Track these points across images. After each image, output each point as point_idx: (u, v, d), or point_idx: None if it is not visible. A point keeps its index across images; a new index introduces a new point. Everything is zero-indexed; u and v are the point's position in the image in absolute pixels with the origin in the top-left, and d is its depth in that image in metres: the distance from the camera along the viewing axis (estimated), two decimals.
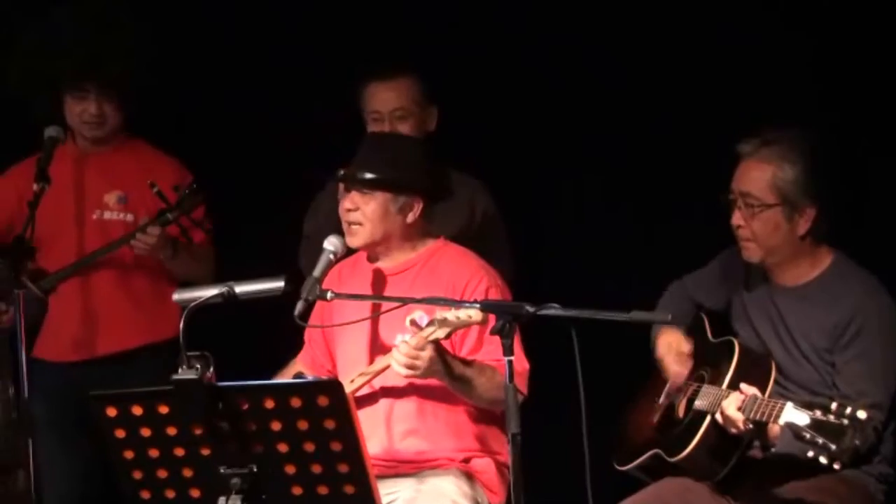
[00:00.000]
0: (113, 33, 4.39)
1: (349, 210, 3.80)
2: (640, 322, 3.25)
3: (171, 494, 3.17)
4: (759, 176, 3.64)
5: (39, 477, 4.03)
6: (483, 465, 3.77)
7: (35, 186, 4.07)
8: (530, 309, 3.28)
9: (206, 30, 5.00)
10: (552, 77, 4.85)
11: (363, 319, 3.73)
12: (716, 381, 3.68)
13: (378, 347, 3.76)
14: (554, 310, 3.27)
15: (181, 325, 3.18)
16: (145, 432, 3.12)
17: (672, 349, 3.80)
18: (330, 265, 3.74)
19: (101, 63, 4.34)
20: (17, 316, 3.91)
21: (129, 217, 4.45)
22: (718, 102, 4.60)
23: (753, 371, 3.62)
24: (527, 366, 3.72)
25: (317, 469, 3.09)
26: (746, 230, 3.68)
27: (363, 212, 3.78)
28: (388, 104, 4.42)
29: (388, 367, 3.64)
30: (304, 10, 4.99)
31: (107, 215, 4.46)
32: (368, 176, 3.77)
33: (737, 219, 3.69)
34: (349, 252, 3.86)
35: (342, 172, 3.83)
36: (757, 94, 4.58)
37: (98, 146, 4.50)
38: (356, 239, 3.81)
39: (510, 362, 3.25)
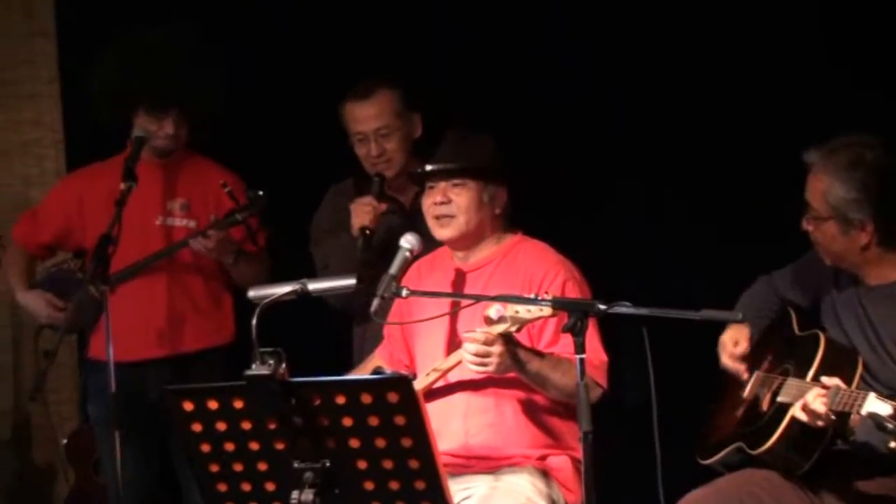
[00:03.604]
0: (202, 61, 4.49)
1: (440, 203, 3.82)
2: (710, 320, 3.24)
3: (247, 487, 3.21)
4: (817, 188, 3.61)
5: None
6: (559, 462, 3.78)
7: (122, 185, 4.16)
8: (602, 307, 3.32)
9: (261, 30, 5.12)
10: (630, 76, 4.86)
11: (437, 317, 3.77)
12: (800, 374, 3.63)
13: (455, 343, 3.78)
14: (625, 307, 3.29)
15: (254, 321, 3.24)
16: (221, 426, 3.17)
17: (726, 348, 3.80)
18: (406, 262, 3.79)
19: (189, 90, 4.44)
20: (105, 316, 4.01)
21: (192, 223, 4.53)
22: (791, 101, 4.59)
23: (839, 364, 3.57)
24: (604, 358, 3.73)
25: (388, 465, 3.12)
26: (813, 236, 3.67)
27: (456, 203, 3.81)
28: (369, 124, 4.36)
29: (460, 362, 3.67)
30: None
31: (170, 221, 4.54)
32: (464, 165, 3.81)
33: (804, 224, 3.67)
34: (426, 249, 3.91)
35: (430, 168, 3.85)
36: (838, 94, 4.55)
37: (161, 155, 4.57)
38: (448, 230, 3.84)
39: (581, 360, 3.26)
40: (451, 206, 3.81)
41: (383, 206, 4.24)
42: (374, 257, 4.09)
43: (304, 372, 3.14)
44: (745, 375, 3.79)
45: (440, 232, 3.85)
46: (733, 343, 3.79)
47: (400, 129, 4.37)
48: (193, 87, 4.45)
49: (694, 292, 3.56)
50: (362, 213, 4.22)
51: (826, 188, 3.58)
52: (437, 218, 3.83)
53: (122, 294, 4.35)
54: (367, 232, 4.17)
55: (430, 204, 3.85)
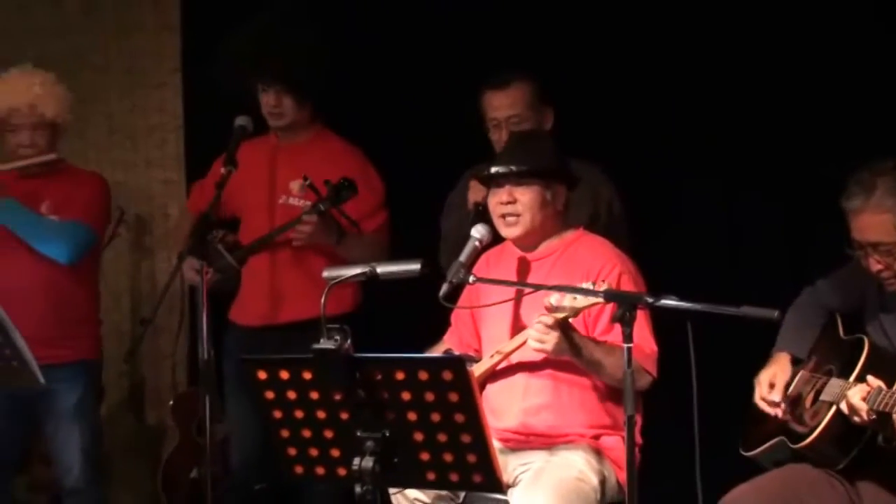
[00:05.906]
0: (283, 33, 4.74)
1: (506, 203, 4.03)
2: (749, 317, 3.37)
3: (314, 452, 3.41)
4: (881, 224, 3.62)
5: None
6: (612, 442, 3.96)
7: (223, 170, 4.43)
8: (648, 299, 3.50)
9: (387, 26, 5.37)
10: (693, 75, 4.97)
11: (500, 303, 4.01)
12: (843, 375, 3.73)
13: (518, 328, 4.01)
14: (670, 300, 3.47)
15: (322, 299, 3.49)
16: (291, 395, 3.36)
17: (761, 389, 3.89)
18: (475, 251, 4.01)
19: (266, 59, 4.71)
20: (201, 284, 4.27)
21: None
22: (857, 104, 4.67)
23: (883, 367, 3.66)
24: (654, 348, 3.91)
25: (442, 438, 3.27)
26: (889, 271, 3.69)
27: (521, 202, 4.02)
28: (503, 111, 4.60)
29: (521, 345, 3.89)
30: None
31: (291, 201, 4.79)
32: (527, 167, 4.02)
33: (875, 265, 3.68)
34: (495, 241, 4.12)
35: (496, 170, 4.06)
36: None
37: (290, 137, 4.85)
38: (515, 229, 4.05)
39: (629, 349, 3.45)
40: (516, 205, 4.01)
41: None
42: None
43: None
44: (780, 417, 3.86)
45: (507, 230, 4.05)
46: (769, 386, 3.88)
47: (530, 119, 4.59)
48: (288, 61, 4.70)
49: (759, 291, 3.67)
50: (477, 189, 4.43)
51: (894, 217, 3.61)
52: (504, 217, 4.04)
53: (251, 265, 4.75)
54: (480, 208, 4.36)
55: (496, 203, 4.05)
